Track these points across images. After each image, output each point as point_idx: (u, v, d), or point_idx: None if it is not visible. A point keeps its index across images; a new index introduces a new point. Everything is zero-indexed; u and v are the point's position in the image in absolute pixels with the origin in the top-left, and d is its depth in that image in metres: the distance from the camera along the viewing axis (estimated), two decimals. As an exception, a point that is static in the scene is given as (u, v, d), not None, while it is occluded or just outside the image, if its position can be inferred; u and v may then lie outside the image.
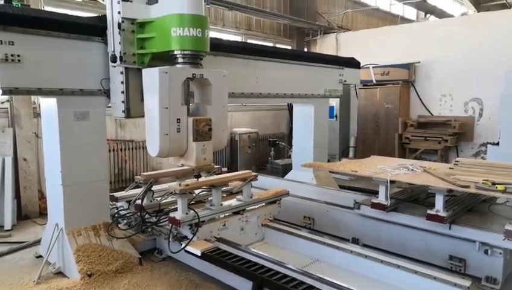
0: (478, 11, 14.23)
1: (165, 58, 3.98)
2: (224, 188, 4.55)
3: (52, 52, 3.80)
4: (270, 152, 9.37)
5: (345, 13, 12.66)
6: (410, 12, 16.67)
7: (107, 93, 4.23)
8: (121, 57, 3.93)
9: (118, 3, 3.88)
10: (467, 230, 3.91)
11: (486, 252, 3.79)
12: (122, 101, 4.13)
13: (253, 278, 3.32)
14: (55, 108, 3.97)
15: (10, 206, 5.61)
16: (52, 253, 4.12)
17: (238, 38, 9.98)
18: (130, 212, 4.71)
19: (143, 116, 4.06)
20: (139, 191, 4.78)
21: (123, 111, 4.15)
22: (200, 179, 4.38)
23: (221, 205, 4.31)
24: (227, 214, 4.36)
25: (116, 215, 4.70)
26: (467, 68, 8.85)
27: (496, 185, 3.70)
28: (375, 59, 9.86)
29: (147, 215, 4.51)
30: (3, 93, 3.66)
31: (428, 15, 16.17)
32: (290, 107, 10.26)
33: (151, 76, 3.74)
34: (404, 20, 14.98)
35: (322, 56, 7.72)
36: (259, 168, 9.48)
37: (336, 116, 10.35)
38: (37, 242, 4.76)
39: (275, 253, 3.86)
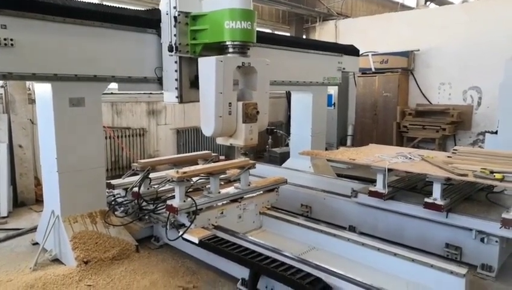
0: (478, -1, 14.06)
1: (213, 48, 4.32)
2: (222, 176, 4.53)
3: (46, 37, 3.72)
4: (267, 140, 9.34)
5: (344, 0, 12.51)
6: (410, -1, 16.48)
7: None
8: (176, 47, 4.31)
9: None
10: (464, 218, 3.93)
11: (482, 240, 3.82)
12: (176, 88, 4.49)
13: (250, 265, 3.32)
14: (50, 94, 3.92)
15: (6, 193, 5.58)
16: (48, 240, 4.11)
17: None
18: (127, 200, 4.70)
19: (192, 101, 4.57)
20: (136, 178, 4.75)
21: (176, 97, 4.53)
22: (198, 167, 4.43)
23: (219, 192, 4.32)
24: (225, 202, 4.36)
25: (113, 202, 4.68)
26: (467, 56, 8.79)
27: (494, 174, 3.69)
28: (375, 47, 9.78)
29: (144, 203, 4.50)
30: (-3, 78, 3.60)
31: (428, 2, 16.00)
32: (288, 95, 10.20)
33: (208, 64, 4.02)
34: (404, 7, 14.81)
35: (320, 43, 7.62)
36: (257, 157, 9.45)
37: (334, 104, 10.31)
38: (33, 229, 4.75)
39: (272, 241, 3.86)
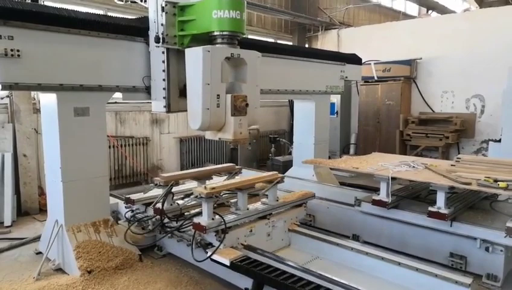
0: (480, 7, 14.13)
1: (202, 39, 4.15)
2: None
3: (51, 47, 3.78)
4: (270, 149, 9.35)
5: (346, 9, 12.60)
6: (412, 8, 16.59)
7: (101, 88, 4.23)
8: (163, 38, 4.15)
9: None
10: (468, 227, 3.90)
11: (487, 249, 3.79)
12: (164, 97, 4.36)
13: (253, 275, 3.30)
14: (55, 104, 3.95)
15: (10, 202, 5.60)
16: (51, 249, 4.12)
17: (239, 34, 9.93)
18: (147, 216, 4.42)
19: (180, 110, 4.40)
20: (156, 193, 4.50)
21: (164, 106, 4.39)
22: (226, 182, 4.24)
23: (248, 209, 4.05)
24: (252, 218, 4.06)
25: (132, 218, 4.47)
26: (469, 65, 8.80)
27: (498, 182, 3.67)
28: (377, 55, 9.81)
29: (166, 220, 4.17)
30: (3, 88, 3.64)
31: (430, 11, 16.11)
32: (291, 104, 10.23)
33: (194, 54, 3.92)
34: (406, 16, 14.90)
35: (323, 52, 7.67)
36: (259, 165, 9.47)
37: (337, 112, 10.33)
38: (37, 238, 4.75)
39: (302, 259, 3.68)
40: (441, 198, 3.96)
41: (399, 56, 9.55)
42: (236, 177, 4.97)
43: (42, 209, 5.99)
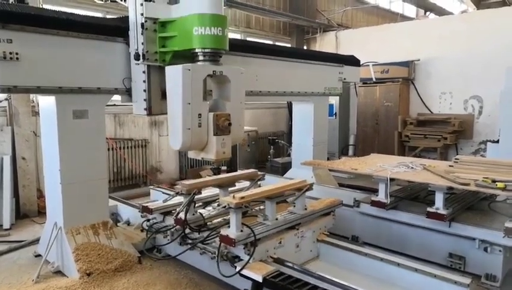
0: (478, 9, 14.19)
1: (184, 56, 4.12)
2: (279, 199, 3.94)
3: (50, 50, 3.78)
4: (269, 150, 9.36)
5: (344, 11, 12.64)
6: (409, 10, 16.65)
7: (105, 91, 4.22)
8: (143, 55, 4.07)
9: (141, 5, 4.00)
10: (467, 228, 3.91)
11: (486, 249, 3.80)
12: (144, 99, 4.25)
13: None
14: (53, 107, 3.96)
15: (9, 205, 5.60)
16: (51, 252, 4.11)
17: (238, 36, 9.96)
18: (166, 226, 4.16)
19: (163, 113, 4.26)
20: (174, 202, 4.28)
21: (145, 109, 4.28)
22: (255, 190, 3.91)
23: (277, 219, 3.76)
24: (279, 229, 3.76)
25: (149, 228, 4.29)
26: (467, 66, 8.84)
27: (496, 183, 3.69)
28: (375, 57, 9.84)
29: (188, 230, 3.91)
30: (2, 91, 3.66)
31: (428, 13, 16.17)
32: (289, 105, 10.25)
33: (174, 73, 3.86)
34: (404, 18, 14.96)
35: (321, 54, 7.71)
36: (258, 167, 9.46)
37: (336, 114, 10.35)
38: (36, 241, 4.75)
39: (332, 272, 3.37)
40: (439, 199, 3.98)
41: (397, 57, 9.58)
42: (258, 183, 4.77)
43: (41, 212, 5.98)
